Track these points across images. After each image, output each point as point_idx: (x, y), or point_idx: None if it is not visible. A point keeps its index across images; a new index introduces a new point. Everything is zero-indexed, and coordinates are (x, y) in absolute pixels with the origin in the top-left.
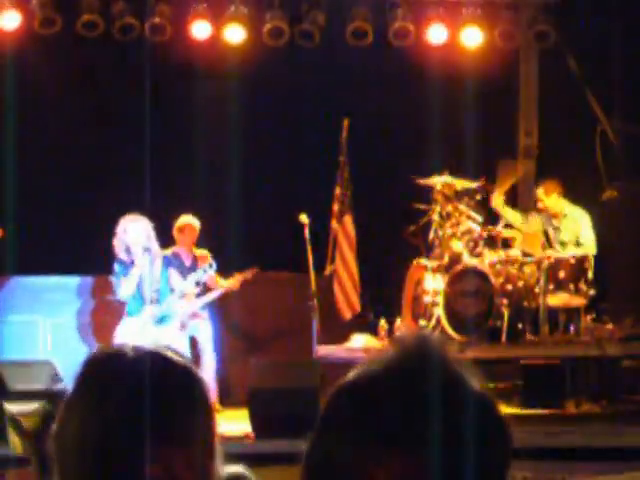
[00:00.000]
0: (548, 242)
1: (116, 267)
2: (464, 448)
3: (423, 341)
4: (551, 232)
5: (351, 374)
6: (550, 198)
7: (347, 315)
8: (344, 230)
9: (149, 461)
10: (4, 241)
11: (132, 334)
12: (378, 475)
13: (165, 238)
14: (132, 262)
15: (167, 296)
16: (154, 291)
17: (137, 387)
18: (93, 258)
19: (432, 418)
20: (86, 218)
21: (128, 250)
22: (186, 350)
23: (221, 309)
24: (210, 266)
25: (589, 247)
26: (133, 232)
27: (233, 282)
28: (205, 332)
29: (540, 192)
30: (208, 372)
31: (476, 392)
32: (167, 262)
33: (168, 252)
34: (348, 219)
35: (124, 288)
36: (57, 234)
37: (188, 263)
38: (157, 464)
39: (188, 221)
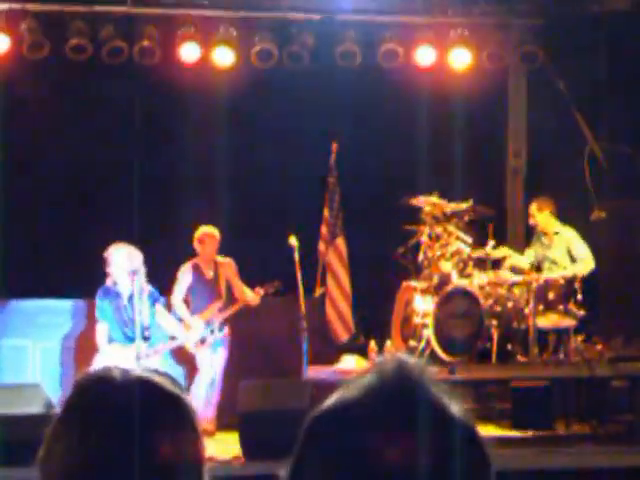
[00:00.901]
0: (538, 263)
1: (97, 302)
2: (444, 472)
3: (401, 365)
4: (540, 251)
5: (329, 400)
6: (542, 214)
7: (343, 337)
8: (337, 252)
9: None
10: None
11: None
12: None
13: (153, 266)
14: (115, 293)
15: (155, 334)
16: (146, 328)
17: (123, 415)
18: (84, 282)
19: (415, 444)
20: (77, 242)
21: (113, 279)
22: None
23: None
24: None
25: (587, 262)
26: (118, 261)
27: (253, 296)
28: (223, 354)
29: (533, 208)
30: (214, 397)
31: (456, 415)
32: (154, 298)
33: (185, 267)
34: (340, 241)
35: (97, 338)
36: (48, 258)
37: (210, 275)
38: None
39: (208, 231)
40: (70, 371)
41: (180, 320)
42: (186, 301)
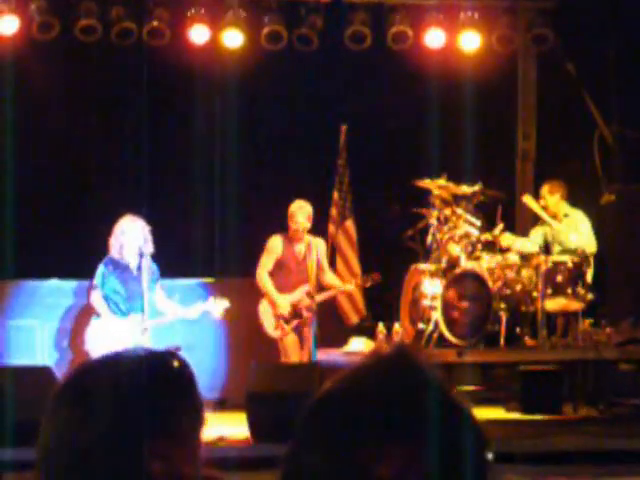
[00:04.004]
0: (547, 246)
1: (101, 269)
2: (442, 456)
3: (401, 352)
4: (549, 234)
5: (328, 385)
6: (553, 197)
7: (354, 319)
8: (347, 234)
9: (148, 456)
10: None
11: (111, 336)
12: None
13: (158, 242)
14: (124, 266)
15: (152, 313)
16: (146, 302)
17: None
18: (93, 262)
19: (413, 429)
20: (84, 222)
21: (122, 250)
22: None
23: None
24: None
25: (589, 246)
26: (131, 233)
27: (351, 286)
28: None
29: (545, 190)
30: None
31: (454, 400)
32: (155, 276)
33: (276, 238)
34: (350, 223)
35: (96, 304)
36: (55, 238)
37: (300, 253)
38: (156, 459)
39: (296, 204)
40: (80, 351)
41: (264, 295)
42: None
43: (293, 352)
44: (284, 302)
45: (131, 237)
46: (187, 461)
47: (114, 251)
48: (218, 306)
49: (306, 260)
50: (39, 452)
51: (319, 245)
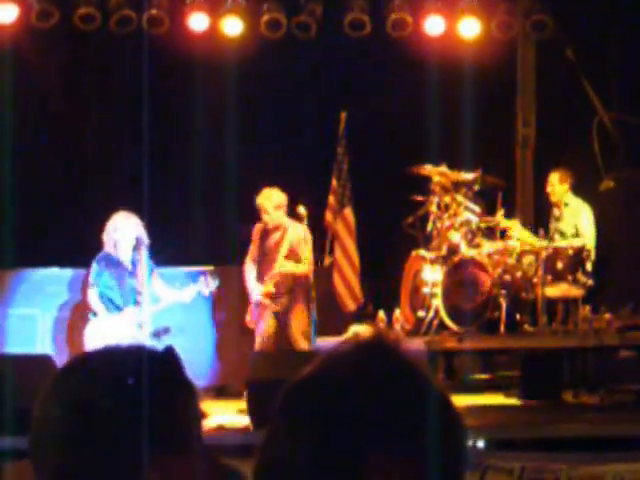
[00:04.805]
0: (547, 233)
1: (94, 266)
2: (422, 444)
3: (379, 338)
4: (552, 222)
5: (306, 370)
6: (562, 187)
7: (351, 307)
8: (345, 222)
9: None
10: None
11: (108, 333)
12: (337, 471)
13: (158, 231)
14: (117, 262)
15: (151, 302)
16: (139, 294)
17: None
18: (94, 251)
19: (389, 414)
20: (84, 210)
21: (116, 247)
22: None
23: (219, 301)
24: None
25: (587, 239)
26: (124, 229)
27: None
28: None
29: (554, 178)
30: None
31: (433, 387)
32: (151, 267)
33: (256, 227)
34: (348, 211)
35: (93, 303)
36: (56, 226)
37: (274, 240)
38: (154, 469)
39: (262, 197)
40: (81, 340)
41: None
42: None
43: (269, 340)
44: (255, 290)
45: (125, 234)
46: (186, 472)
47: (107, 247)
48: (209, 285)
49: (278, 247)
50: (30, 438)
51: (296, 231)
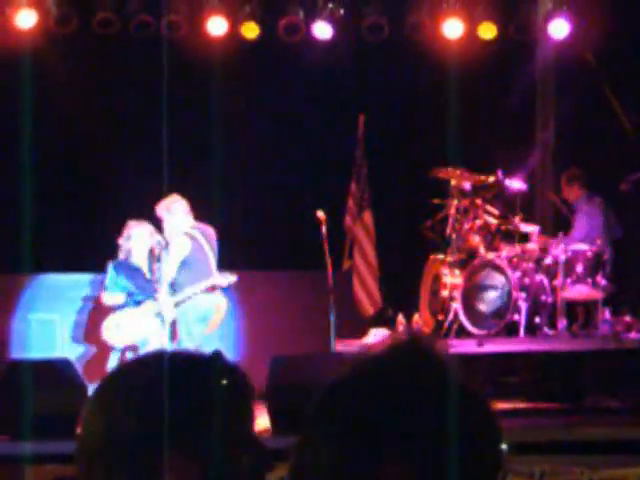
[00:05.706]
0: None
1: (110, 272)
2: (456, 445)
3: (414, 339)
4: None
5: (340, 374)
6: (571, 189)
7: (370, 311)
8: (364, 225)
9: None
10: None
11: (130, 325)
12: (370, 475)
13: None
14: (134, 267)
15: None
16: (156, 291)
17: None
18: (112, 255)
19: (425, 416)
20: (104, 216)
21: (130, 254)
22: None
23: (240, 306)
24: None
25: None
26: (137, 239)
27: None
28: None
29: (563, 178)
30: None
31: (470, 391)
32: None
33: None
34: (368, 215)
35: (110, 303)
36: (76, 231)
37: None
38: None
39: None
40: (100, 345)
41: None
42: None
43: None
44: None
45: (138, 243)
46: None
47: (122, 254)
48: (225, 279)
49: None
50: (79, 443)
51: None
